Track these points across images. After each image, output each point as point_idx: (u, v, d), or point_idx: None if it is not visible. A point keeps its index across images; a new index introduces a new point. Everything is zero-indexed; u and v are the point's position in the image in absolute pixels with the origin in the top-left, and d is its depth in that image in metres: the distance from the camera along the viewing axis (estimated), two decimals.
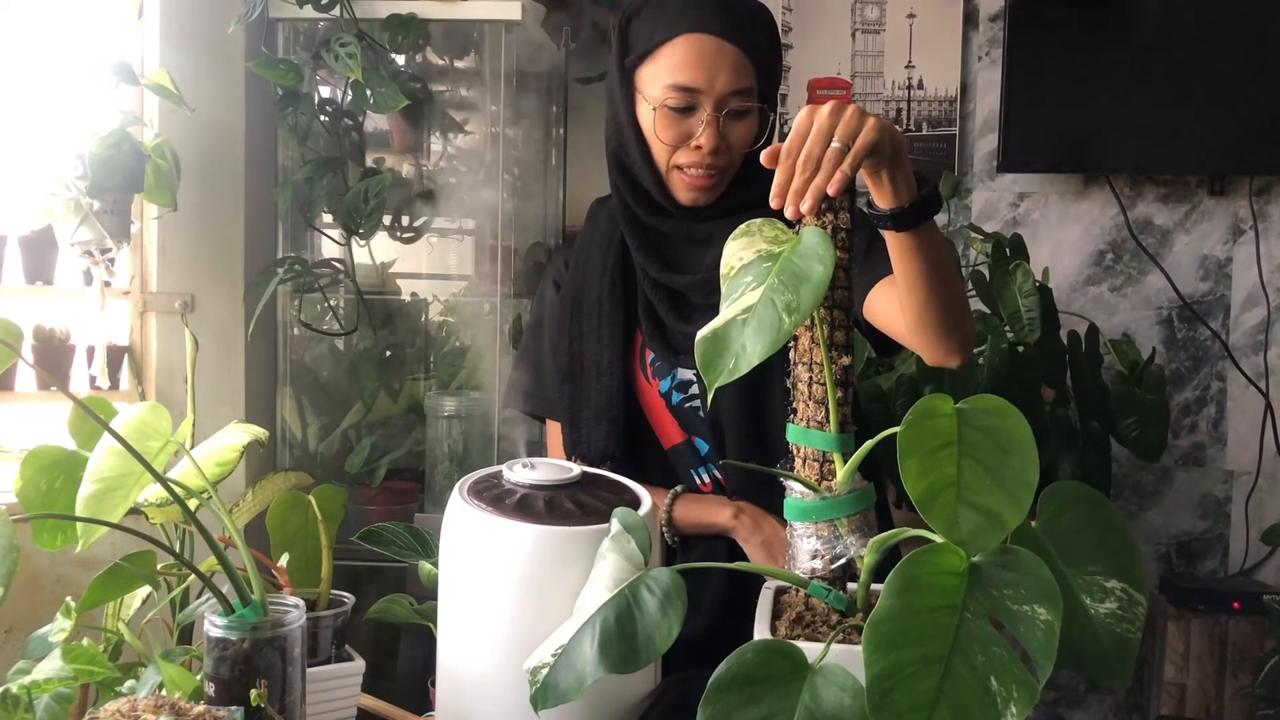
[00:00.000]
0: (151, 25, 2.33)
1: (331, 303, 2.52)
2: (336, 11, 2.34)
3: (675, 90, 1.47)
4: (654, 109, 1.49)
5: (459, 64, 2.59)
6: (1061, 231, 3.02)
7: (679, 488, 1.60)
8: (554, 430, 1.70)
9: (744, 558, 1.55)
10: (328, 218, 2.47)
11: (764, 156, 1.13)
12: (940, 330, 1.33)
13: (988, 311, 2.52)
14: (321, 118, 2.42)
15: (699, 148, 1.48)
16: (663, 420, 1.62)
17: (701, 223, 1.54)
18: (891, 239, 1.26)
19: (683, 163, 1.51)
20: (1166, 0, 2.88)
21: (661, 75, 1.49)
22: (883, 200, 1.22)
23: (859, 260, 1.38)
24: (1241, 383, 2.99)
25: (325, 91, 2.52)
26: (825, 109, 1.12)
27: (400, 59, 2.49)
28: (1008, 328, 2.47)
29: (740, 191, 1.53)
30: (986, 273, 2.57)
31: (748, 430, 1.55)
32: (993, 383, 2.43)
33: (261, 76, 2.33)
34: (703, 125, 1.48)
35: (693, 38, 1.47)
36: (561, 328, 1.65)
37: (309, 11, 2.34)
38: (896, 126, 1.26)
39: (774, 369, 1.34)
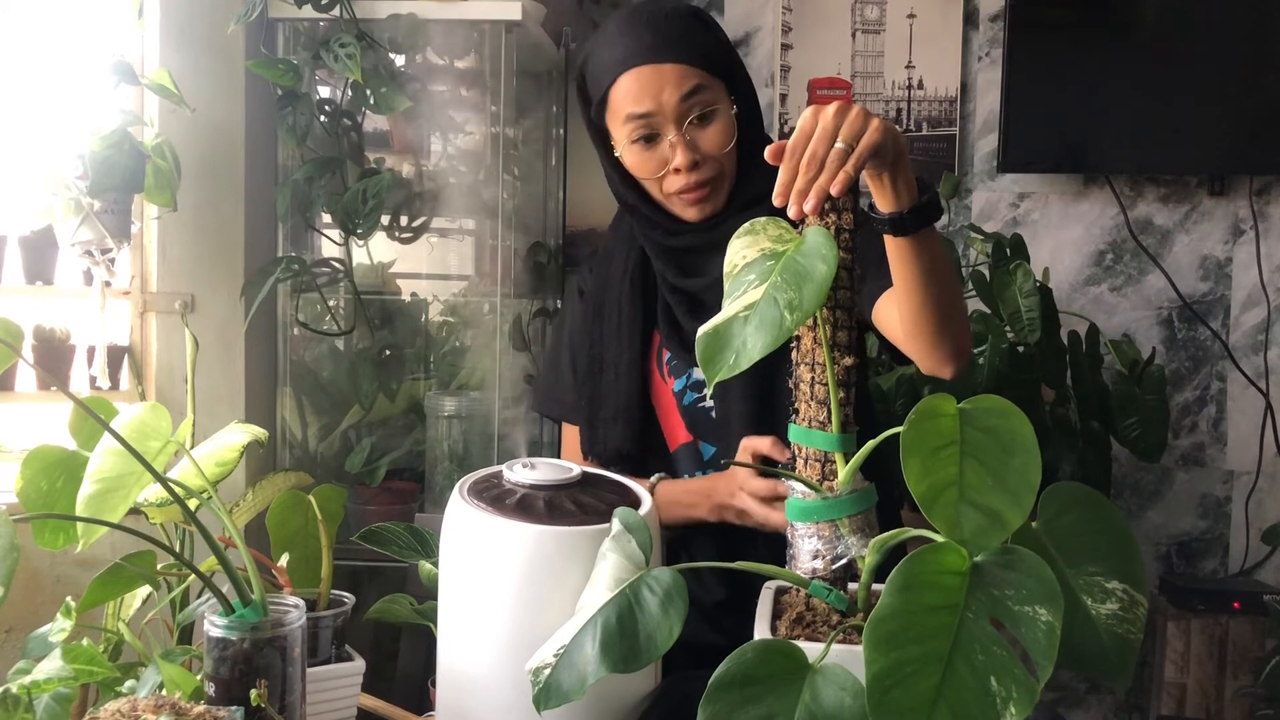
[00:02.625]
0: (151, 25, 2.32)
1: (330, 303, 2.51)
2: (336, 12, 2.33)
3: (632, 122, 1.50)
4: (626, 149, 1.53)
5: (459, 64, 2.58)
6: (1061, 231, 3.02)
7: (657, 476, 1.59)
8: (569, 433, 1.71)
9: (742, 557, 1.55)
10: (327, 218, 2.47)
11: (768, 154, 1.13)
12: (933, 338, 1.33)
13: (988, 311, 2.52)
14: (321, 118, 2.41)
15: (678, 170, 1.50)
16: (672, 420, 1.62)
17: (718, 228, 1.55)
18: (890, 243, 1.26)
19: (672, 190, 1.53)
20: (1166, 0, 2.88)
21: (618, 116, 1.52)
22: (883, 204, 1.22)
23: (873, 265, 1.38)
24: (1241, 383, 2.99)
25: (325, 91, 2.51)
26: (830, 109, 1.12)
27: (400, 59, 2.48)
28: (1008, 328, 2.47)
29: (742, 189, 1.54)
30: (987, 273, 2.57)
31: (756, 431, 1.55)
32: (993, 383, 2.43)
33: (261, 76, 2.33)
34: (672, 148, 1.49)
35: (629, 74, 1.50)
36: (583, 331, 1.67)
37: (309, 11, 2.34)
38: (898, 129, 1.26)
39: (783, 369, 1.34)
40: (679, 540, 1.62)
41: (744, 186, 1.54)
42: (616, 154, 1.55)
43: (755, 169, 1.50)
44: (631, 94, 1.49)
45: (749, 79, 1.58)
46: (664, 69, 1.48)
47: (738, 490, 1.49)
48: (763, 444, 1.47)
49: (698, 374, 1.60)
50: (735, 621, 1.40)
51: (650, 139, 1.51)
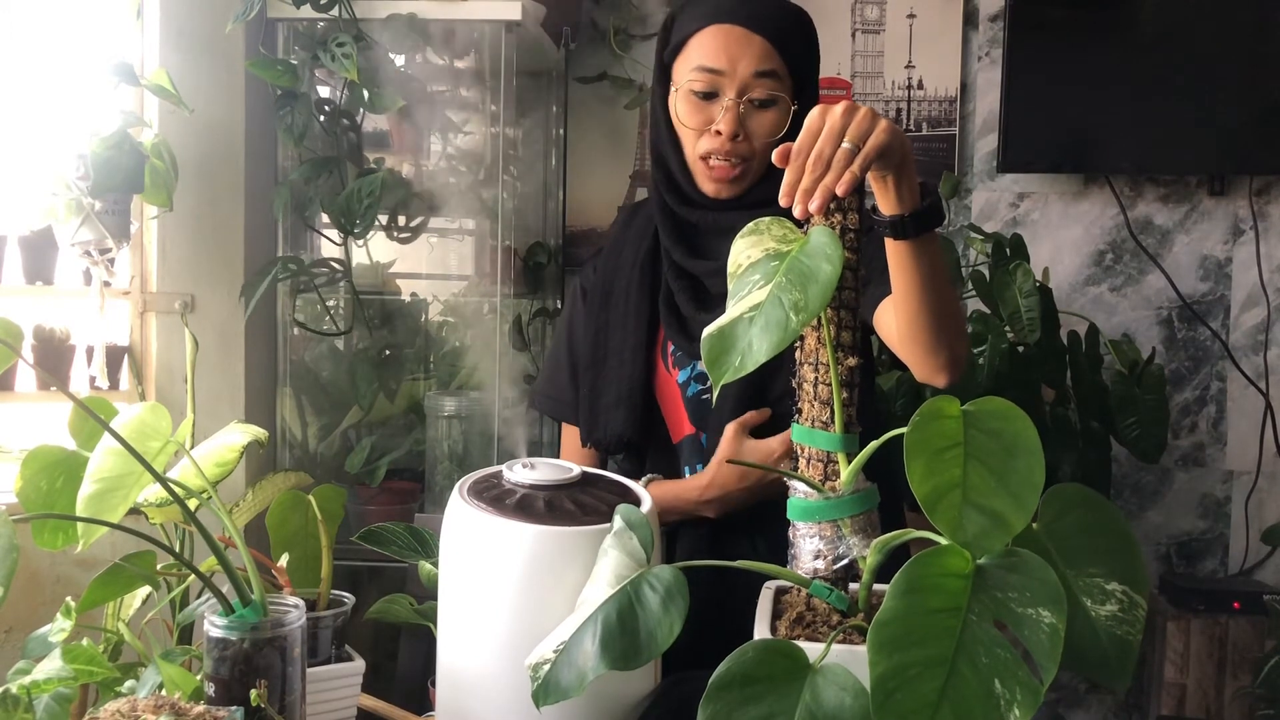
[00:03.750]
0: (151, 25, 2.33)
1: (330, 303, 2.51)
2: (335, 11, 2.33)
3: (699, 73, 1.52)
4: (682, 94, 1.54)
5: (459, 64, 2.59)
6: (1061, 231, 3.02)
7: (647, 477, 1.60)
8: (569, 433, 1.71)
9: (732, 550, 1.55)
10: (326, 218, 2.47)
11: (775, 155, 1.13)
12: (927, 346, 1.33)
13: (987, 311, 2.52)
14: (320, 118, 2.41)
15: (719, 133, 1.51)
16: (676, 412, 1.63)
17: (727, 213, 1.55)
18: (889, 246, 1.26)
19: (705, 150, 1.53)
20: (1166, 0, 2.88)
21: (689, 62, 1.53)
22: (885, 206, 1.22)
23: (878, 270, 1.38)
24: (1241, 383, 2.99)
25: (324, 91, 2.51)
26: (838, 109, 1.12)
27: (400, 59, 2.48)
28: (1008, 328, 2.47)
29: (766, 186, 1.54)
30: (986, 273, 2.57)
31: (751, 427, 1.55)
32: (993, 383, 2.43)
33: (261, 76, 2.33)
34: (725, 111, 1.50)
35: (721, 27, 1.51)
36: (589, 321, 1.68)
37: (307, 11, 2.34)
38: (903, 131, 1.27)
39: (781, 368, 1.34)
40: (669, 535, 1.62)
41: (765, 183, 1.54)
42: (673, 91, 1.56)
43: (780, 170, 1.51)
44: (711, 47, 1.51)
45: (818, 96, 1.58)
46: (753, 38, 1.50)
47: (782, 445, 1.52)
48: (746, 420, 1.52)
49: (701, 365, 1.60)
50: (731, 621, 1.41)
51: (708, 95, 1.52)
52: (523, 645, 1.07)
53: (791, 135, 1.51)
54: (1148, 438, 2.60)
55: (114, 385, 2.29)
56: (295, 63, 2.36)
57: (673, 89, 1.56)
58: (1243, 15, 2.86)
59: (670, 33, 1.58)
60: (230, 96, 2.36)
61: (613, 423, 1.61)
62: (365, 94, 2.30)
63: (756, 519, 1.55)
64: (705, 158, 1.53)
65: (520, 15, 2.39)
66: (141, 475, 1.21)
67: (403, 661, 2.18)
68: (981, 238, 2.62)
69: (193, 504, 1.24)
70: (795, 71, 1.53)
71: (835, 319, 1.09)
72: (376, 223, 2.39)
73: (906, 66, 3.02)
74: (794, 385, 1.12)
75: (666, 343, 1.63)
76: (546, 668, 1.00)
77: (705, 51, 1.51)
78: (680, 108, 1.54)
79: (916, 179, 1.21)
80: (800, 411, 1.11)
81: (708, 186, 1.55)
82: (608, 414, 1.62)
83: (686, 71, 1.53)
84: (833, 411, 1.07)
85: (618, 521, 1.11)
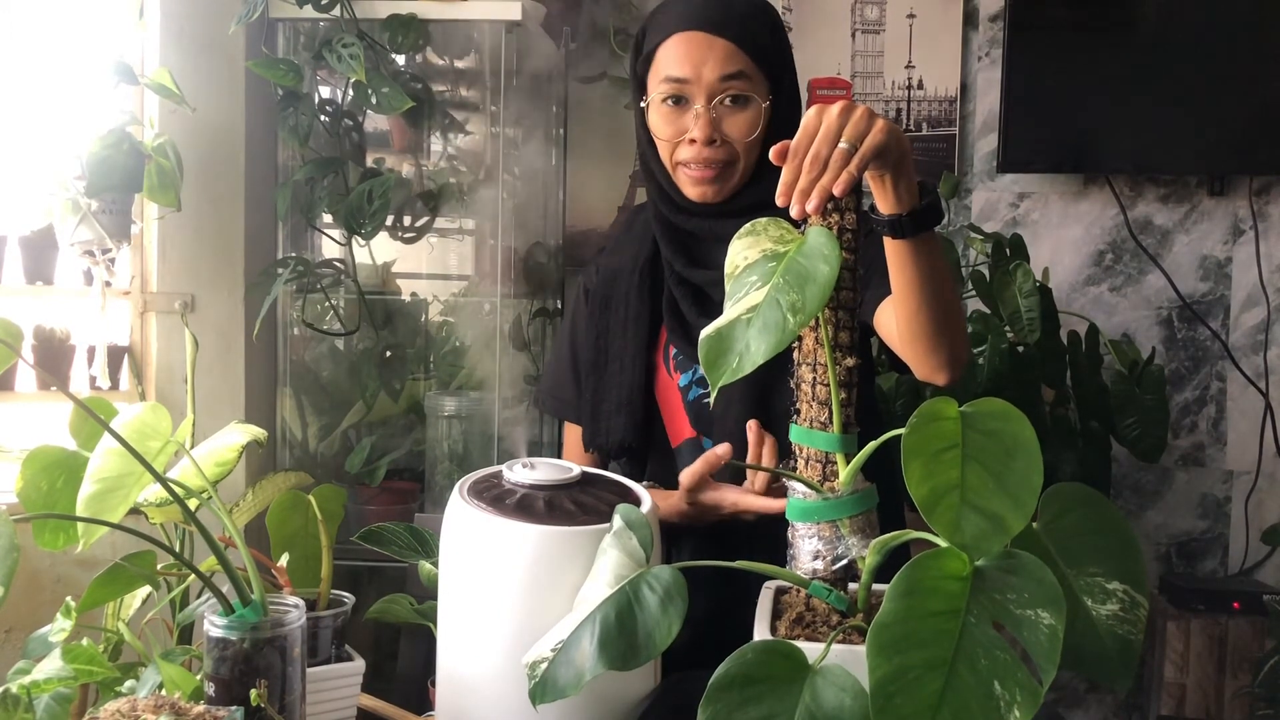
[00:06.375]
0: (152, 25, 2.33)
1: (332, 303, 2.51)
2: (337, 12, 2.33)
3: (666, 83, 1.52)
4: (654, 106, 1.54)
5: (459, 64, 2.59)
6: (1061, 231, 3.02)
7: (645, 482, 1.60)
8: (571, 432, 1.71)
9: (736, 555, 1.55)
10: (328, 218, 2.47)
11: (772, 153, 1.13)
12: (927, 344, 1.33)
13: (987, 311, 2.52)
14: (322, 118, 2.41)
15: (693, 141, 1.51)
16: (676, 415, 1.63)
17: (723, 220, 1.55)
18: (888, 246, 1.26)
19: (683, 158, 1.54)
20: (1166, 0, 2.88)
21: (658, 74, 1.53)
22: (884, 205, 1.22)
23: (878, 271, 1.38)
24: (1241, 383, 2.99)
25: (325, 92, 2.51)
26: (834, 109, 1.12)
27: (400, 59, 2.49)
28: (1008, 328, 2.47)
29: (759, 188, 1.54)
30: (986, 273, 2.57)
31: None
32: (993, 383, 2.43)
33: (262, 76, 2.33)
34: (696, 118, 1.50)
35: (684, 35, 1.51)
36: (590, 325, 1.68)
37: (309, 11, 2.34)
38: (902, 131, 1.26)
39: (782, 369, 1.35)
40: (671, 538, 1.62)
41: (757, 186, 1.54)
42: (643, 105, 1.56)
43: (773, 173, 1.51)
44: (676, 56, 1.51)
45: (796, 89, 1.59)
46: (716, 42, 1.49)
47: (735, 503, 1.49)
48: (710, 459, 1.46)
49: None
50: (730, 621, 1.41)
51: (679, 102, 1.52)
52: (523, 645, 1.07)
53: (771, 131, 1.52)
54: (1148, 438, 2.60)
55: (114, 385, 2.29)
56: (298, 63, 2.36)
57: (645, 101, 1.56)
58: (1242, 16, 2.86)
59: (641, 46, 1.58)
60: (231, 96, 2.36)
61: (614, 429, 1.61)
62: (372, 95, 2.30)
63: (760, 521, 1.55)
64: (684, 164, 1.54)
65: (520, 15, 2.39)
66: (142, 475, 1.22)
67: (403, 661, 2.18)
68: (981, 238, 2.62)
69: (193, 504, 1.24)
70: (765, 67, 1.53)
71: (833, 319, 1.09)
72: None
73: (906, 66, 3.02)
74: (792, 386, 1.12)
75: (668, 346, 1.63)
76: (544, 666, 1.00)
77: (671, 61, 1.51)
78: (654, 119, 1.55)
79: (915, 178, 1.21)
80: (799, 412, 1.11)
81: (691, 191, 1.55)
82: (608, 420, 1.62)
83: (656, 84, 1.53)
84: (831, 412, 1.07)
85: (617, 521, 1.11)
